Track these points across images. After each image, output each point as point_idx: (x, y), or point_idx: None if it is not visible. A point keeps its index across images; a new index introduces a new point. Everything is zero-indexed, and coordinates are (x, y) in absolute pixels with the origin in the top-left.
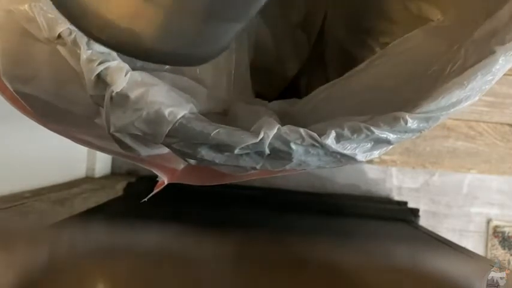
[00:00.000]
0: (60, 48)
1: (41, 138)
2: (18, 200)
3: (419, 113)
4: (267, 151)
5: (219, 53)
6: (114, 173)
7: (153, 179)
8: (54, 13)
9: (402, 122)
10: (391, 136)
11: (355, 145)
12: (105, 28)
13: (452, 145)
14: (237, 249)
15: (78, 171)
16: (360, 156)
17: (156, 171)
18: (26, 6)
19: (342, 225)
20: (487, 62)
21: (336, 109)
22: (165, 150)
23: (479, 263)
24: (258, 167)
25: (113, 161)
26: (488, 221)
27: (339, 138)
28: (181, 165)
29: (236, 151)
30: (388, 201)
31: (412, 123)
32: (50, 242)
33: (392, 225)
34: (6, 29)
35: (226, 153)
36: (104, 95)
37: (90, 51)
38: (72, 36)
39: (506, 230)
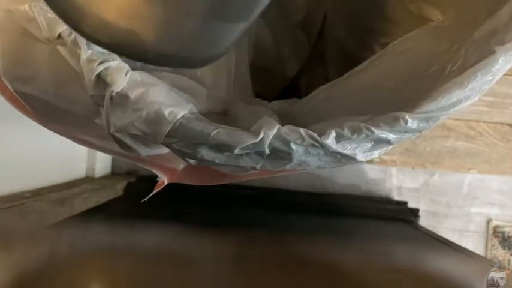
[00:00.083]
0: (60, 48)
1: (41, 138)
2: (18, 200)
3: (419, 113)
4: (267, 151)
5: (220, 55)
6: (114, 173)
7: (153, 179)
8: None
9: (402, 122)
10: (391, 136)
11: (355, 145)
12: (103, 28)
13: (452, 145)
14: (237, 249)
15: (78, 171)
16: (360, 156)
17: (156, 171)
18: (26, 6)
19: (342, 225)
20: (487, 62)
21: (336, 109)
22: (165, 150)
23: (479, 263)
24: (258, 167)
25: (113, 161)
26: (488, 221)
27: (339, 138)
28: (181, 165)
29: (236, 151)
30: (388, 201)
31: (412, 123)
32: (50, 242)
33: (392, 225)
34: (6, 29)
35: (226, 153)
36: (104, 95)
37: (90, 51)
38: (72, 36)
39: (506, 230)
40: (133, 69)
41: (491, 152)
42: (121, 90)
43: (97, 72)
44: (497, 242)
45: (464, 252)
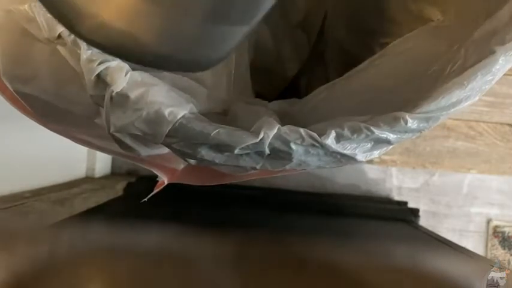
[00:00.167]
0: (60, 48)
1: (41, 138)
2: (18, 200)
3: (419, 113)
4: (267, 151)
5: (221, 60)
6: (114, 173)
7: (153, 179)
8: None
9: (402, 122)
10: (391, 136)
11: (355, 145)
12: (100, 30)
13: (452, 145)
14: (237, 249)
15: (78, 171)
16: (360, 156)
17: (156, 171)
18: (26, 6)
19: (342, 225)
20: (487, 62)
21: (336, 109)
22: (165, 150)
23: (479, 263)
24: (258, 167)
25: (113, 161)
26: (488, 221)
27: (339, 138)
28: (181, 165)
29: (236, 151)
30: (388, 201)
31: (412, 123)
32: (50, 242)
33: (392, 225)
34: (6, 29)
35: (226, 153)
36: (104, 95)
37: (90, 51)
38: (72, 36)
39: (506, 230)
40: (133, 69)
41: (491, 152)
42: (121, 90)
43: (97, 72)
44: (497, 242)
45: (464, 252)
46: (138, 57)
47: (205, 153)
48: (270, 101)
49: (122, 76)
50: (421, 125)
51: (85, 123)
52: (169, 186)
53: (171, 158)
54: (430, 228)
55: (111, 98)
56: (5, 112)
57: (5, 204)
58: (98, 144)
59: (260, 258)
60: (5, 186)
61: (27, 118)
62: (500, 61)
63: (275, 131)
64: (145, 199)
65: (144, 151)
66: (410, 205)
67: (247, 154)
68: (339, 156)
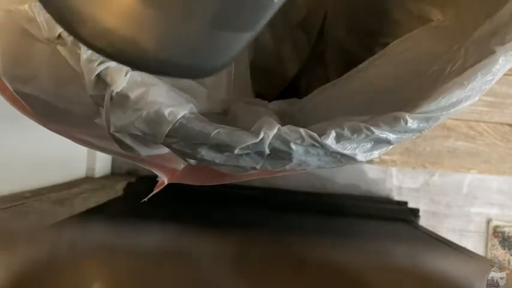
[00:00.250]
0: (60, 48)
1: (41, 138)
2: (18, 200)
3: (419, 113)
4: (267, 151)
5: (224, 66)
6: (114, 173)
7: (153, 179)
8: None
9: (402, 122)
10: (391, 136)
11: (355, 145)
12: (102, 34)
13: (452, 145)
14: (237, 249)
15: (78, 171)
16: (360, 156)
17: (156, 171)
18: (26, 6)
19: (342, 225)
20: (487, 62)
21: (336, 109)
22: (165, 150)
23: (479, 263)
24: (258, 167)
25: (113, 161)
26: (488, 221)
27: (339, 138)
28: (181, 165)
29: (236, 151)
30: (388, 201)
31: (412, 123)
32: (50, 242)
33: (392, 225)
34: (6, 29)
35: (226, 153)
36: (104, 95)
37: (90, 51)
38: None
39: (506, 230)
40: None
41: (491, 152)
42: (121, 90)
43: (97, 72)
44: (497, 242)
45: (464, 252)
46: (140, 63)
47: (205, 153)
48: (270, 101)
49: (122, 76)
50: (421, 125)
51: (85, 123)
52: (169, 186)
53: (171, 158)
54: (430, 228)
55: (111, 98)
56: (5, 112)
57: (5, 204)
58: (98, 144)
59: (260, 258)
60: (5, 186)
61: (27, 118)
62: (500, 61)
63: (275, 131)
64: (145, 199)
65: (144, 151)
66: (410, 205)
67: (247, 154)
68: (339, 156)
